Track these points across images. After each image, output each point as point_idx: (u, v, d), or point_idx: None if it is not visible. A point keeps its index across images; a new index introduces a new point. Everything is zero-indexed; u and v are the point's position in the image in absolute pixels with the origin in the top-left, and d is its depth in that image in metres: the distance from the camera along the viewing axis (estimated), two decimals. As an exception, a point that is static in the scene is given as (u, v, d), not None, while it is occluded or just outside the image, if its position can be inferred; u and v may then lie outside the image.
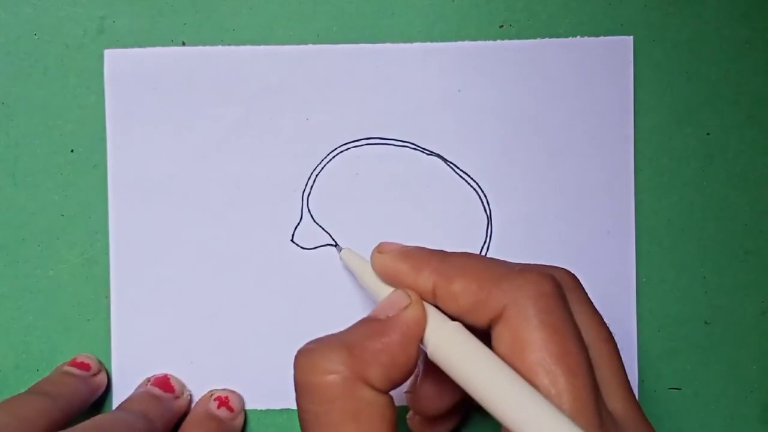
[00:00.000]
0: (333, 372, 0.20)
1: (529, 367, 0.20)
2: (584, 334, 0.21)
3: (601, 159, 0.31)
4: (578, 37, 0.31)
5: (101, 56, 0.31)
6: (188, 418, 0.30)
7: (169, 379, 0.31)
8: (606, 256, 0.31)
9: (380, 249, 0.25)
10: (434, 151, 0.31)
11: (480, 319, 0.21)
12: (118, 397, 0.31)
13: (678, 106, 0.32)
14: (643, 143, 0.32)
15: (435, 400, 0.26)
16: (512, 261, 0.24)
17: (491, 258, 0.23)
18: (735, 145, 0.32)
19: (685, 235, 0.32)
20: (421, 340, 0.22)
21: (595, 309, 0.23)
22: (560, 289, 0.21)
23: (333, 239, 0.31)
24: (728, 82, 0.32)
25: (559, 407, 0.19)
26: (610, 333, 0.23)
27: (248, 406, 0.31)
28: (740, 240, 0.32)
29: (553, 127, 0.31)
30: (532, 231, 0.31)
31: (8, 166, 0.31)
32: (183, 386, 0.31)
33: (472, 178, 0.31)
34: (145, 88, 0.31)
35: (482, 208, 0.31)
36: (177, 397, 0.30)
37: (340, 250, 0.31)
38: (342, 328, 0.31)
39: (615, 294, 0.31)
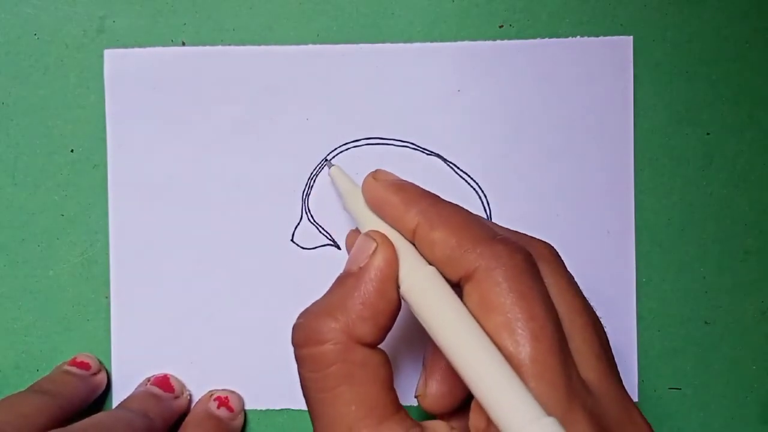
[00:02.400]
0: (324, 341, 0.21)
1: (493, 329, 0.20)
2: (558, 304, 0.22)
3: (601, 159, 0.31)
4: (578, 37, 0.31)
5: (101, 56, 0.31)
6: (188, 417, 0.30)
7: (168, 378, 0.31)
8: (606, 256, 0.31)
9: (376, 175, 0.25)
10: (434, 151, 0.31)
11: (451, 274, 0.22)
12: (118, 397, 0.31)
13: (678, 106, 0.32)
14: (643, 143, 0.32)
15: (446, 398, 0.26)
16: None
17: (478, 217, 0.23)
18: (735, 145, 0.32)
19: (685, 234, 0.32)
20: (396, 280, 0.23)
21: (573, 281, 0.24)
22: (531, 261, 0.22)
23: (333, 239, 0.31)
24: (728, 82, 0.32)
25: (518, 369, 0.20)
26: (586, 304, 0.23)
27: (248, 407, 0.31)
28: (740, 240, 0.32)
29: (553, 127, 0.31)
30: (532, 231, 0.31)
31: (8, 165, 0.31)
32: (183, 386, 0.31)
33: (471, 178, 0.31)
34: (145, 88, 0.31)
35: (482, 207, 0.31)
36: (177, 397, 0.30)
37: (331, 166, 0.30)
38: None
39: (615, 294, 0.31)
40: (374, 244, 0.23)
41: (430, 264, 0.23)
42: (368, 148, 0.31)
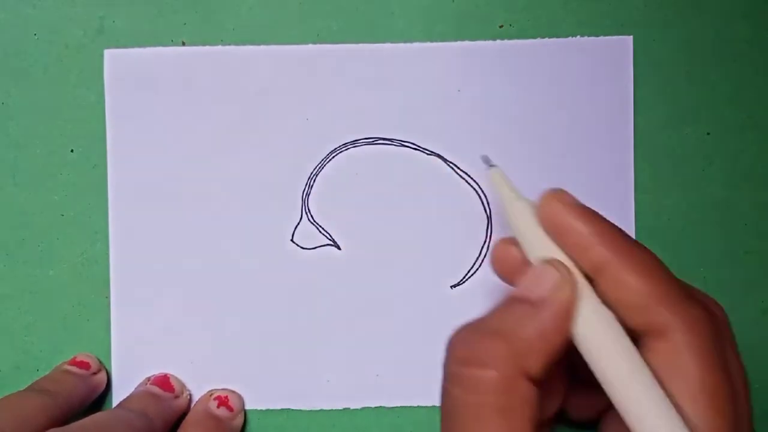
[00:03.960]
0: (492, 367, 0.20)
1: (677, 392, 0.20)
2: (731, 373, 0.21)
3: (600, 159, 0.31)
4: (578, 37, 0.31)
5: (101, 56, 0.31)
6: (188, 417, 0.30)
7: (168, 378, 0.31)
8: (606, 256, 0.31)
9: (558, 196, 0.23)
10: (434, 151, 0.31)
11: (635, 322, 0.21)
12: (117, 397, 0.31)
13: (678, 105, 0.32)
14: (643, 143, 0.32)
15: None
16: None
17: (664, 264, 0.22)
18: (735, 144, 0.32)
19: (684, 235, 0.32)
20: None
21: (738, 352, 0.23)
22: (720, 330, 0.21)
23: (333, 239, 0.31)
24: (728, 81, 0.32)
25: None
26: (747, 379, 0.22)
27: (248, 406, 0.31)
28: (740, 240, 0.32)
29: (553, 127, 0.31)
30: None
31: (8, 166, 0.31)
32: (183, 386, 0.31)
33: (472, 178, 0.31)
34: (145, 88, 0.31)
35: (482, 207, 0.31)
36: (176, 397, 0.30)
37: (491, 166, 0.26)
38: (343, 329, 0.31)
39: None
40: (558, 277, 0.21)
41: (609, 306, 0.21)
42: (368, 148, 0.31)
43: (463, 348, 0.21)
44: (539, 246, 0.23)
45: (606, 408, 0.24)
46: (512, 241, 0.24)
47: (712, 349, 0.20)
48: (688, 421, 0.19)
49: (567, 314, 0.21)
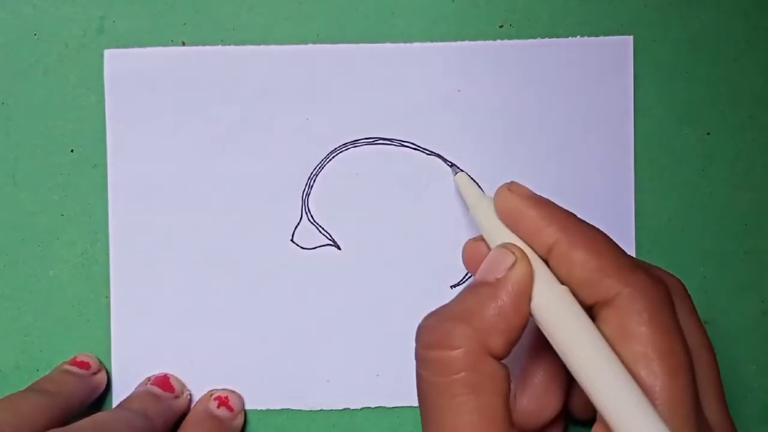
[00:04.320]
0: (456, 347, 0.21)
1: (630, 358, 0.20)
2: (688, 340, 0.22)
3: (601, 159, 0.31)
4: (578, 37, 0.31)
5: (101, 56, 0.31)
6: (188, 417, 0.30)
7: (168, 378, 0.31)
8: (606, 256, 0.31)
9: (510, 187, 0.25)
10: (434, 151, 0.31)
11: (587, 296, 0.22)
12: (117, 397, 0.31)
13: (678, 105, 0.32)
14: (643, 143, 0.32)
15: (532, 416, 0.26)
16: None
17: (615, 243, 0.23)
18: (735, 144, 0.32)
19: (685, 235, 0.32)
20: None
21: (699, 319, 0.24)
22: (670, 296, 0.22)
23: (333, 239, 0.31)
24: (728, 81, 0.32)
25: (653, 402, 0.20)
26: (710, 345, 0.23)
27: (248, 406, 0.31)
28: (740, 240, 0.32)
29: (553, 127, 0.31)
30: (532, 231, 0.31)
31: (8, 166, 0.31)
32: (183, 386, 0.31)
33: (472, 178, 0.31)
34: (145, 88, 0.31)
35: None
36: (177, 397, 0.30)
37: (456, 172, 0.30)
38: (342, 329, 0.31)
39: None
40: (513, 258, 0.22)
41: (563, 283, 0.22)
42: (368, 148, 0.31)
43: (429, 333, 0.22)
44: (498, 236, 0.24)
45: None
46: (480, 239, 0.26)
47: (661, 311, 0.21)
48: (643, 383, 0.20)
49: (523, 292, 0.22)
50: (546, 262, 0.23)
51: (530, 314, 0.22)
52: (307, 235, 0.31)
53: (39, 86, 0.31)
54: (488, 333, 0.21)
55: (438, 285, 0.31)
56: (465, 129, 0.31)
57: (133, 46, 0.31)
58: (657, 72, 0.32)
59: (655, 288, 0.21)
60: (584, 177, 0.31)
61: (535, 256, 0.23)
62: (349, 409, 0.31)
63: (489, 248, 0.25)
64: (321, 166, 0.31)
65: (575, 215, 0.24)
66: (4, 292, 0.32)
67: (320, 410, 0.31)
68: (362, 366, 0.31)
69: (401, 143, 0.31)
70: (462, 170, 0.30)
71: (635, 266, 0.22)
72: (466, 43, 0.31)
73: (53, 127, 0.31)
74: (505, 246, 0.23)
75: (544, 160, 0.31)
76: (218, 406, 0.30)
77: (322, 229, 0.31)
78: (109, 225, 0.31)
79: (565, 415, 0.27)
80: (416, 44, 0.31)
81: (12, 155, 0.31)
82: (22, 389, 0.28)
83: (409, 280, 0.31)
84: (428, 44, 0.31)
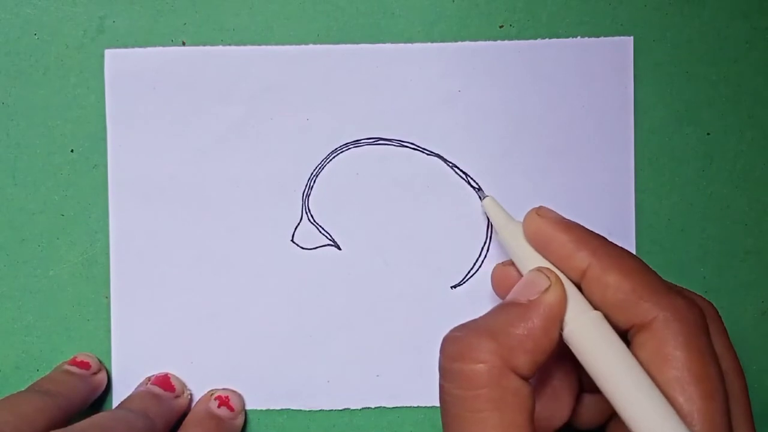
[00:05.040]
0: (481, 361, 0.21)
1: (666, 382, 0.21)
2: (721, 364, 0.22)
3: (601, 159, 0.31)
4: (578, 37, 0.31)
5: (101, 56, 0.31)
6: (188, 417, 0.30)
7: (169, 378, 0.31)
8: (606, 256, 0.31)
9: (540, 212, 0.25)
10: (434, 152, 0.31)
11: (621, 320, 0.22)
12: (118, 397, 0.31)
13: (678, 106, 0.32)
14: (644, 143, 0.32)
15: (546, 422, 0.26)
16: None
17: (648, 266, 0.23)
18: (735, 145, 0.32)
19: (685, 235, 0.32)
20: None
21: (731, 343, 0.24)
22: (705, 319, 0.22)
23: (333, 240, 0.31)
24: (728, 82, 0.32)
25: (691, 428, 0.20)
26: (742, 369, 0.23)
27: (248, 406, 0.31)
28: (740, 240, 0.32)
29: (554, 128, 0.31)
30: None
31: (8, 166, 0.31)
32: (183, 385, 0.31)
33: (472, 179, 0.31)
34: (146, 88, 0.31)
35: (483, 208, 0.31)
36: (177, 396, 0.30)
37: (484, 197, 0.30)
38: (343, 329, 0.31)
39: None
40: (547, 282, 0.23)
41: (596, 307, 0.22)
42: (368, 149, 0.31)
43: (454, 344, 0.22)
44: (530, 261, 0.24)
45: (611, 414, 0.25)
46: (509, 263, 0.26)
47: (697, 336, 0.21)
48: (680, 409, 0.20)
49: (555, 315, 0.22)
50: (579, 286, 0.23)
51: (562, 339, 0.22)
52: (308, 235, 0.31)
53: (39, 86, 0.31)
54: (514, 351, 0.21)
55: (438, 285, 0.31)
56: (465, 129, 0.31)
57: (133, 46, 0.31)
58: (657, 72, 0.32)
59: (690, 312, 0.21)
60: (584, 177, 0.31)
61: (568, 281, 0.23)
62: (349, 409, 0.31)
63: (519, 272, 0.25)
64: (321, 166, 0.31)
65: (605, 239, 0.24)
66: (5, 292, 0.32)
67: (320, 410, 0.31)
68: (362, 366, 0.31)
69: (401, 143, 0.31)
70: (488, 195, 0.30)
71: (670, 289, 0.22)
72: (466, 43, 0.31)
73: (53, 127, 0.31)
74: (540, 270, 0.23)
75: (544, 160, 0.31)
76: (219, 406, 0.30)
77: (323, 229, 0.31)
78: (110, 225, 0.31)
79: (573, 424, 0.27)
80: (416, 45, 0.31)
81: (12, 155, 0.31)
82: (22, 389, 0.28)
83: (410, 280, 0.31)
84: (428, 45, 0.31)
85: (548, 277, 0.23)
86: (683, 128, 0.32)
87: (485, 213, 0.30)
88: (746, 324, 0.32)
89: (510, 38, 0.31)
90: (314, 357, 0.31)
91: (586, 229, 0.24)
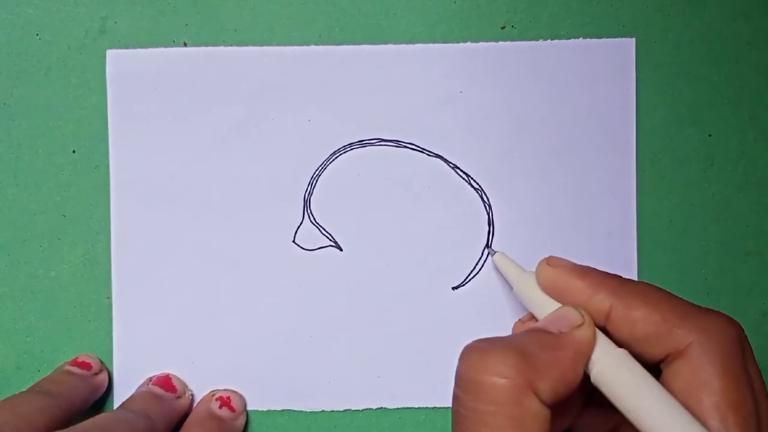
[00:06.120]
0: (505, 376, 0.20)
1: (703, 409, 0.20)
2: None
3: (602, 160, 0.31)
4: (580, 38, 0.31)
5: (103, 57, 0.31)
6: (190, 417, 0.30)
7: (170, 378, 0.31)
8: (608, 257, 0.31)
9: (550, 262, 0.25)
10: (436, 153, 0.31)
11: (655, 351, 0.22)
12: (119, 397, 0.31)
13: (680, 107, 0.32)
14: (645, 144, 0.32)
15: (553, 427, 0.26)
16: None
17: (668, 291, 0.23)
18: (737, 146, 0.32)
19: (686, 236, 0.32)
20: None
21: (757, 365, 0.23)
22: (739, 340, 0.22)
23: (334, 241, 0.31)
24: (730, 83, 0.32)
25: None
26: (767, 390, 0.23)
27: (250, 407, 0.31)
28: (742, 241, 0.32)
29: (555, 129, 0.31)
30: (534, 233, 0.31)
31: (10, 166, 0.31)
32: (185, 386, 0.31)
33: (473, 180, 0.31)
34: (147, 89, 0.31)
35: (484, 209, 0.31)
36: (179, 397, 0.30)
37: (493, 253, 0.30)
38: (344, 330, 0.31)
39: (616, 295, 0.31)
40: (580, 318, 0.22)
41: (627, 345, 0.22)
42: (370, 150, 0.31)
43: (477, 354, 0.21)
44: (548, 309, 0.24)
45: (615, 426, 0.25)
46: (528, 318, 0.26)
47: (732, 360, 0.21)
48: None
49: (584, 352, 0.22)
50: (602, 328, 0.23)
51: (585, 378, 0.22)
52: (309, 236, 0.31)
53: (41, 87, 0.31)
54: (539, 373, 0.20)
55: (439, 286, 0.31)
56: (467, 130, 0.31)
57: (135, 47, 0.31)
58: (659, 73, 0.32)
59: (726, 333, 0.21)
60: (586, 178, 0.31)
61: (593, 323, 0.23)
62: (350, 410, 0.31)
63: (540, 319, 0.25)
64: (323, 167, 0.31)
65: (621, 277, 0.24)
66: (6, 293, 0.32)
67: (321, 411, 0.31)
68: (363, 367, 0.31)
69: (403, 144, 0.31)
70: (498, 251, 0.30)
71: (701, 311, 0.22)
72: (468, 44, 0.31)
73: (55, 128, 0.31)
74: (574, 308, 0.23)
75: (546, 161, 0.31)
76: (220, 407, 0.30)
77: (324, 230, 0.31)
78: (111, 225, 0.31)
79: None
80: (418, 45, 0.31)
81: (14, 155, 0.31)
82: (23, 390, 0.28)
83: (411, 281, 0.31)
84: (430, 45, 0.31)
85: (581, 314, 0.22)
86: (685, 129, 0.32)
87: (497, 269, 0.30)
88: (748, 325, 0.32)
89: (512, 39, 0.31)
90: (315, 358, 0.31)
91: (599, 271, 0.24)
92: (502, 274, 0.30)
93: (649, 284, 0.23)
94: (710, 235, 0.32)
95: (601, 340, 0.22)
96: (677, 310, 0.22)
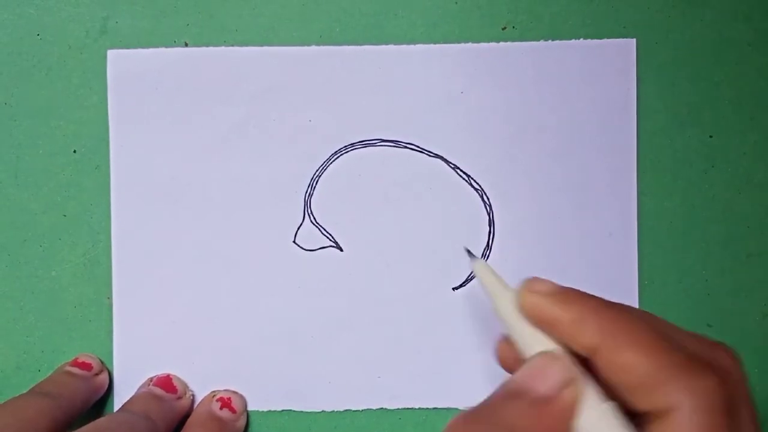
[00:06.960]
0: None
1: None
2: None
3: (603, 161, 0.31)
4: (581, 39, 0.31)
5: (104, 57, 0.31)
6: (190, 418, 0.30)
7: (171, 379, 0.31)
8: (608, 258, 0.31)
9: (531, 287, 0.22)
10: (437, 153, 0.31)
11: (639, 403, 0.20)
12: (119, 397, 0.31)
13: (680, 108, 0.32)
14: (646, 145, 0.32)
15: None
16: (554, 278, 0.22)
17: (661, 324, 0.21)
18: (737, 147, 0.32)
19: (687, 237, 0.32)
20: None
21: (754, 409, 0.21)
22: (733, 397, 0.20)
23: (335, 241, 0.31)
24: (731, 84, 0.32)
25: None
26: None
27: (250, 407, 0.31)
28: (743, 242, 0.32)
29: (556, 129, 0.31)
30: (535, 233, 0.31)
31: (11, 166, 0.31)
32: (185, 387, 0.31)
33: (474, 180, 0.31)
34: (148, 89, 0.31)
35: (484, 209, 0.31)
36: (179, 398, 0.30)
37: (474, 259, 0.25)
38: (344, 330, 0.31)
39: (617, 296, 0.31)
40: (565, 375, 0.20)
41: (612, 387, 0.20)
42: (371, 150, 0.31)
43: None
44: (530, 340, 0.22)
45: None
46: (509, 340, 0.24)
47: (724, 424, 0.19)
48: None
49: (571, 412, 0.20)
50: (586, 359, 0.21)
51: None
52: (309, 236, 0.31)
53: (42, 87, 0.31)
54: None
55: (440, 287, 0.31)
56: (468, 131, 0.31)
57: (136, 47, 0.31)
58: (660, 74, 0.32)
59: (718, 393, 0.19)
60: (587, 179, 0.31)
61: (575, 363, 0.21)
62: (350, 410, 0.31)
63: (520, 347, 0.23)
64: (323, 167, 0.31)
65: (609, 304, 0.21)
66: (6, 293, 0.32)
67: (322, 411, 0.31)
68: (364, 367, 0.31)
69: (404, 145, 0.31)
70: (479, 258, 0.25)
71: (694, 365, 0.20)
72: (468, 45, 0.31)
73: (56, 128, 0.31)
74: (553, 356, 0.21)
75: (546, 162, 0.31)
76: (221, 408, 0.30)
77: (324, 230, 0.31)
78: (112, 226, 0.31)
79: None
80: (419, 46, 0.31)
81: (15, 155, 0.31)
82: (23, 392, 0.28)
83: (411, 281, 0.31)
84: (431, 46, 0.31)
85: (565, 367, 0.21)
86: (686, 130, 0.32)
87: (476, 278, 0.28)
88: (748, 326, 0.32)
89: (512, 40, 0.31)
90: (316, 358, 0.31)
91: (586, 296, 0.22)
92: (480, 285, 0.26)
93: (640, 316, 0.21)
94: (711, 236, 0.32)
95: (588, 390, 0.21)
96: (669, 360, 0.20)
